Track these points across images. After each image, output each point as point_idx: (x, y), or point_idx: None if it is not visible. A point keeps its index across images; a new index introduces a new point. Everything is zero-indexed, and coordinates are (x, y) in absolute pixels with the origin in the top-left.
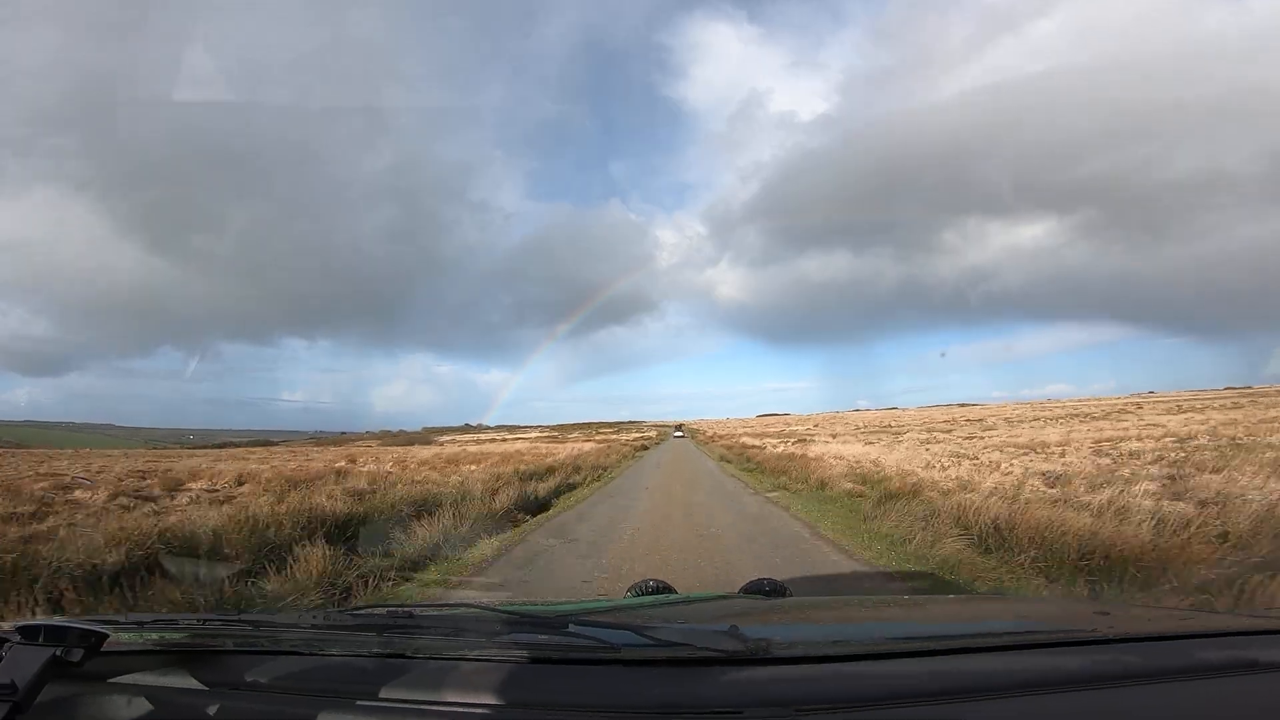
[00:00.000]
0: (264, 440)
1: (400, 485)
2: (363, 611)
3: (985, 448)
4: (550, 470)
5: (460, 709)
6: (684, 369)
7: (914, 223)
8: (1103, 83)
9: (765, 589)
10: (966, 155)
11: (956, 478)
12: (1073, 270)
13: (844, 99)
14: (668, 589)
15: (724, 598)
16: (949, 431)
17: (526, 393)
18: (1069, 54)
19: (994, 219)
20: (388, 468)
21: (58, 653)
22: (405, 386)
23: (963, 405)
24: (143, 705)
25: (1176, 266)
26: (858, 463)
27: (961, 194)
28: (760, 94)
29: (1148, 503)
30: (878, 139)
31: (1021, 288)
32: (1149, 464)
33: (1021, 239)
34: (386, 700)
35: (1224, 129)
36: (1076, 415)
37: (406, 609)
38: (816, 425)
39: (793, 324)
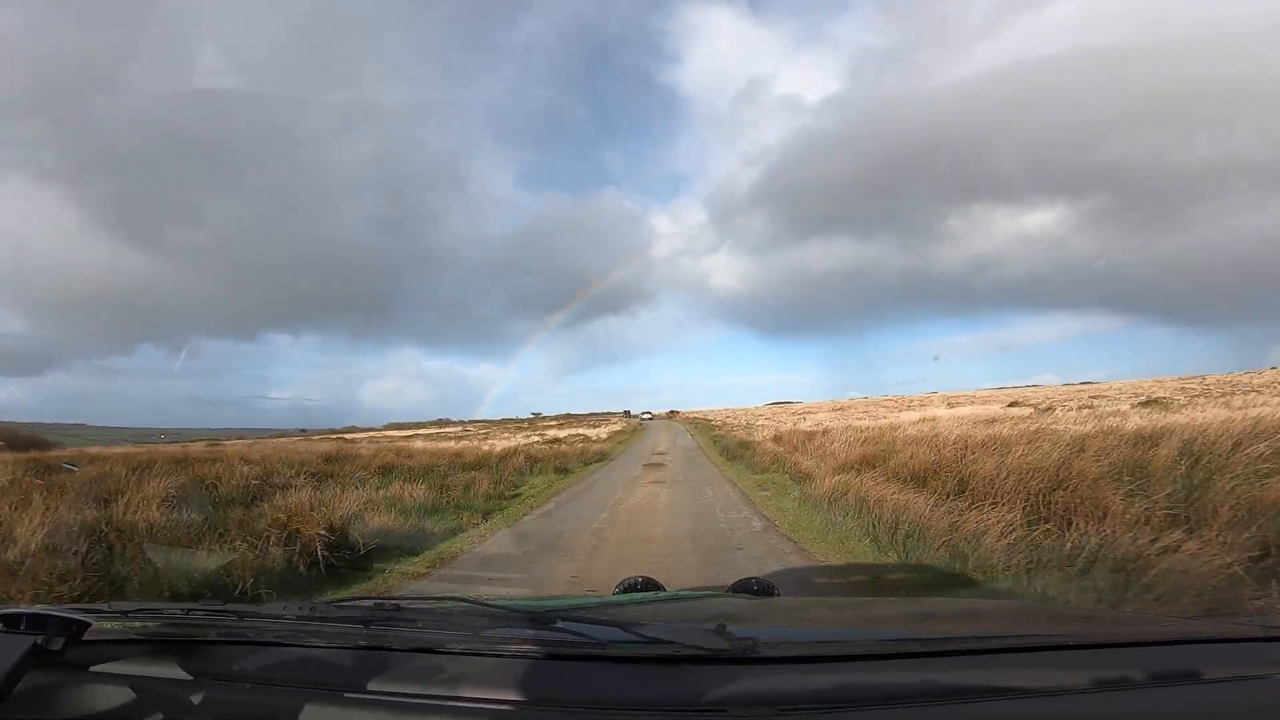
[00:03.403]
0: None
1: None
2: (349, 603)
3: None
4: None
5: (445, 702)
6: (680, 360)
7: (918, 208)
8: (1123, 65)
9: (753, 588)
10: (980, 140)
11: None
12: (1080, 258)
13: (852, 81)
14: (656, 586)
15: (712, 596)
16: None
17: (519, 387)
18: (1089, 35)
19: (1001, 205)
20: None
21: (39, 640)
22: (396, 382)
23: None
24: (125, 694)
25: (1197, 254)
26: None
27: (969, 179)
28: (762, 77)
29: None
30: (887, 122)
31: (1025, 276)
32: None
33: (1028, 226)
34: (372, 693)
35: (1246, 114)
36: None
37: (393, 601)
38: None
39: (792, 313)
